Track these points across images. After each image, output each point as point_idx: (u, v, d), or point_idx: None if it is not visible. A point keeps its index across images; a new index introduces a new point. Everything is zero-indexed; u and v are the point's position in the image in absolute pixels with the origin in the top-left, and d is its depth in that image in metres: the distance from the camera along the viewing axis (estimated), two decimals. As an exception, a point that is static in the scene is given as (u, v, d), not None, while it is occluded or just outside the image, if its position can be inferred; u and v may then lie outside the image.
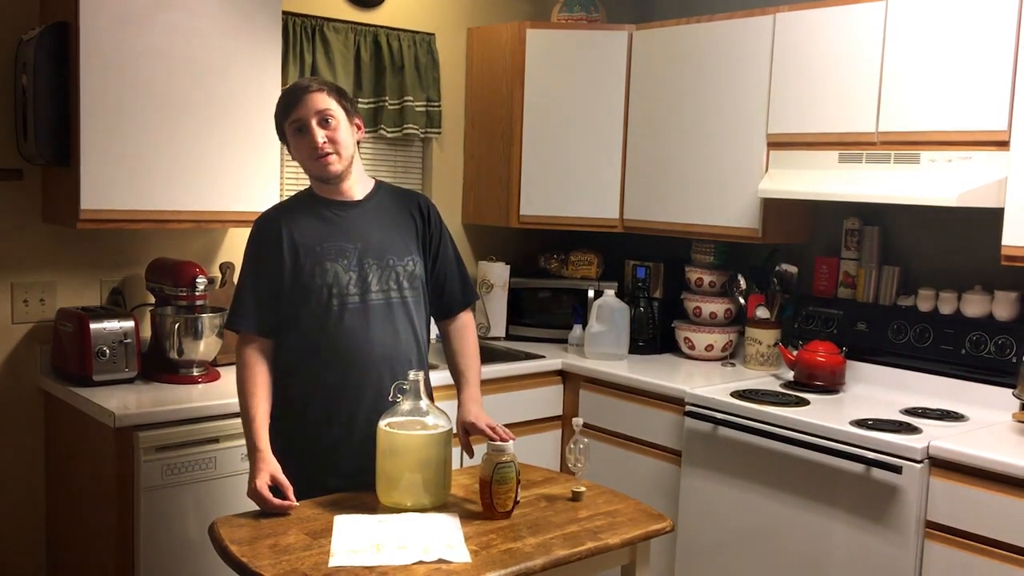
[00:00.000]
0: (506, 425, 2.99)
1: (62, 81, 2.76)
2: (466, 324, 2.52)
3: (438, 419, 2.13)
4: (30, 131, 2.78)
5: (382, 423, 2.12)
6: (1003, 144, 2.71)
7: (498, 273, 3.91)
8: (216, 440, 2.73)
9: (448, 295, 2.49)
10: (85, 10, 2.69)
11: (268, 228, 2.33)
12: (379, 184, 2.46)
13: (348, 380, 2.28)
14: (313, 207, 2.35)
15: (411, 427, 2.11)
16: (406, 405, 2.13)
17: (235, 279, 3.28)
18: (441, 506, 2.13)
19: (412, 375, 2.14)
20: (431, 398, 2.28)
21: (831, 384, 3.19)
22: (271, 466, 2.15)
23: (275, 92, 3.08)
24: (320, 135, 2.27)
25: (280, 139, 2.38)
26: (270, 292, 2.29)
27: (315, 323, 2.28)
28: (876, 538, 2.65)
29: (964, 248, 3.16)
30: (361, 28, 3.62)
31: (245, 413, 2.25)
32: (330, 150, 2.28)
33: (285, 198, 2.52)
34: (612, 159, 3.78)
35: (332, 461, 2.29)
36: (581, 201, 3.81)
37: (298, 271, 2.28)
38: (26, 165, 2.92)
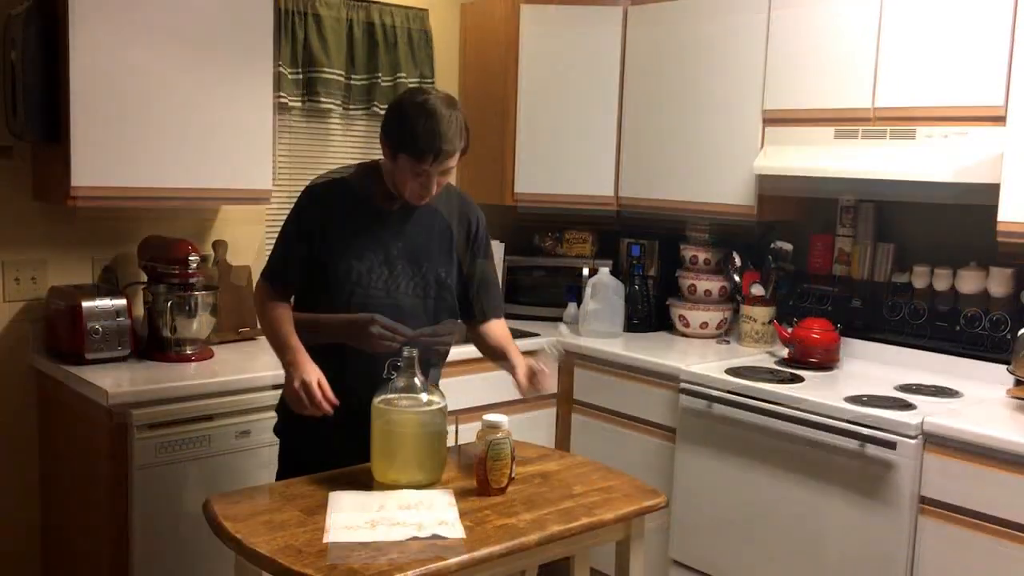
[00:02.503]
0: (502, 403, 3.01)
1: (51, 56, 2.73)
2: (498, 322, 2.52)
3: (433, 396, 2.13)
4: (19, 107, 2.75)
5: (376, 400, 2.11)
6: (999, 119, 2.70)
7: (492, 251, 3.89)
8: (210, 418, 2.72)
9: (478, 308, 2.48)
10: (74, -16, 2.66)
11: (316, 203, 2.30)
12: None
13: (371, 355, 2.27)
14: (369, 194, 2.32)
15: (406, 404, 2.10)
16: (400, 382, 2.12)
17: (227, 257, 3.30)
18: (436, 483, 2.13)
19: (407, 352, 2.13)
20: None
21: (826, 361, 3.19)
22: (313, 366, 2.16)
23: (267, 68, 3.07)
24: (434, 186, 2.25)
25: (385, 145, 2.25)
26: (303, 259, 2.29)
27: (333, 305, 2.28)
28: (870, 514, 2.66)
29: (960, 224, 3.15)
30: (353, 3, 3.58)
31: (275, 330, 2.25)
32: (432, 193, 2.27)
33: (348, 165, 2.42)
34: (607, 136, 3.76)
35: (354, 425, 2.24)
36: (576, 179, 3.79)
37: (328, 252, 2.27)
38: (15, 142, 2.90)
